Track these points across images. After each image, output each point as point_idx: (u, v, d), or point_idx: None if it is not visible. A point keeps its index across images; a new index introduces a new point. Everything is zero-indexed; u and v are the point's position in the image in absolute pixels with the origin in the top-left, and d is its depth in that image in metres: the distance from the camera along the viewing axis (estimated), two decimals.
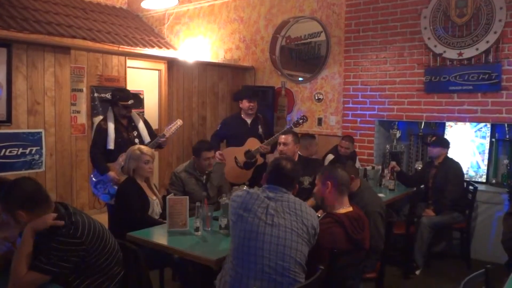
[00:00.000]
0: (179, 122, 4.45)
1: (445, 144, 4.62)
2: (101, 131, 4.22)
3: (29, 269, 1.99)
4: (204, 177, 3.95)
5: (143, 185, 3.50)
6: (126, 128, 4.30)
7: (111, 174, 4.11)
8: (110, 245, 2.20)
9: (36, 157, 4.62)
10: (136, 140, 4.24)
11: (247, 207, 2.30)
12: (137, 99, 4.46)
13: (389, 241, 3.08)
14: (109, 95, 5.40)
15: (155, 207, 3.48)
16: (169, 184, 3.96)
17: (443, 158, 4.57)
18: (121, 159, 4.17)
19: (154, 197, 3.52)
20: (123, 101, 4.22)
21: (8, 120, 4.44)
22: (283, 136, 4.09)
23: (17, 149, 4.47)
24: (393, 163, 4.81)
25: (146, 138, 4.31)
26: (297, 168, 2.55)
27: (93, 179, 4.22)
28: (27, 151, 4.55)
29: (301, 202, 2.43)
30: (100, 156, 4.15)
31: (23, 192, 2.10)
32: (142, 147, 3.65)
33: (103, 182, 4.17)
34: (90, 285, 2.14)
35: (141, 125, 4.37)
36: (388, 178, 4.70)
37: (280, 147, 4.03)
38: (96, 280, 2.15)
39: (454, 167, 4.52)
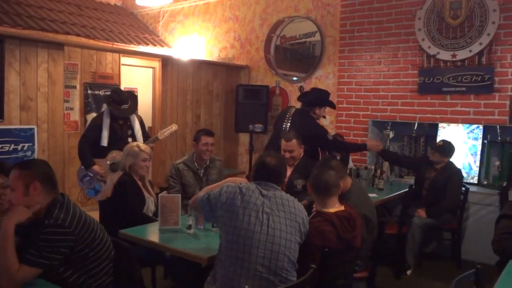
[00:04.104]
0: (174, 127, 4.46)
1: (447, 154, 4.56)
2: (95, 126, 4.22)
3: (21, 263, 1.97)
4: (202, 170, 3.97)
5: (139, 183, 3.50)
6: (121, 126, 4.30)
7: (96, 167, 4.11)
8: (100, 238, 2.19)
9: (28, 153, 4.59)
10: (129, 139, 4.23)
11: (242, 203, 2.28)
12: (134, 101, 4.42)
13: (381, 240, 3.09)
14: (104, 92, 5.39)
15: (150, 205, 3.49)
16: (168, 176, 4.02)
17: (445, 163, 4.56)
18: (110, 156, 4.17)
19: (149, 195, 3.53)
20: (115, 105, 4.21)
21: (0, 116, 4.41)
22: (286, 143, 3.84)
23: (8, 145, 4.44)
24: (375, 142, 4.83)
25: (140, 139, 4.30)
26: (283, 163, 2.56)
27: (82, 172, 4.22)
28: (19, 147, 4.52)
29: (293, 198, 2.44)
30: (87, 150, 4.15)
31: (46, 167, 2.20)
32: (141, 144, 3.67)
33: (90, 176, 4.16)
34: (81, 277, 2.13)
35: (136, 125, 4.37)
36: (378, 177, 4.70)
37: (286, 155, 3.81)
38: (87, 272, 2.14)
39: (456, 175, 4.50)
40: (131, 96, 4.45)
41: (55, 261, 2.02)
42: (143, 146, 3.60)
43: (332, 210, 2.56)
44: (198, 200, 2.51)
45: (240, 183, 2.45)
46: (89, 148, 4.16)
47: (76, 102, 5.25)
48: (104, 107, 4.43)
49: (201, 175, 3.96)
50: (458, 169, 4.60)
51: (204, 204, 2.44)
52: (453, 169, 4.54)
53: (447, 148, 4.59)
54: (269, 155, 2.56)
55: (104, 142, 4.16)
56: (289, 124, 4.51)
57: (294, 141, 3.81)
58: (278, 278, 2.20)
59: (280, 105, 6.48)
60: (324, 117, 4.92)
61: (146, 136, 4.45)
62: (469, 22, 4.91)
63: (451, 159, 4.62)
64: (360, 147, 4.89)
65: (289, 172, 3.85)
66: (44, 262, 1.98)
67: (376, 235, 3.08)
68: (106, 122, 4.20)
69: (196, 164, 3.99)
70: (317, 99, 4.63)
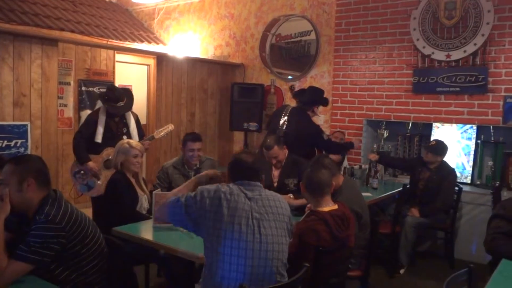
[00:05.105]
0: (170, 126, 4.45)
1: (440, 152, 4.57)
2: (91, 122, 4.22)
3: (11, 259, 1.95)
4: (192, 173, 3.94)
5: (132, 180, 3.49)
6: (117, 124, 4.29)
7: (90, 164, 4.09)
8: (92, 235, 2.18)
9: (21, 150, 4.55)
10: (124, 137, 4.22)
11: (229, 210, 2.11)
12: (130, 99, 4.40)
13: (375, 239, 3.10)
14: (99, 89, 5.37)
15: (143, 202, 3.47)
16: (156, 177, 3.95)
17: (439, 163, 4.57)
18: (105, 153, 4.15)
19: (142, 193, 3.51)
20: (110, 103, 4.20)
21: None
22: (268, 152, 3.84)
23: (1, 141, 4.40)
24: (372, 155, 4.87)
25: (135, 137, 4.29)
26: (258, 159, 2.47)
27: (75, 168, 4.20)
28: (12, 143, 4.48)
29: (277, 196, 2.35)
30: (82, 146, 4.14)
31: (40, 163, 2.19)
32: (131, 141, 3.65)
33: (83, 172, 4.15)
34: (72, 274, 2.12)
35: (132, 124, 4.36)
36: (372, 176, 4.72)
37: (273, 161, 3.84)
38: (79, 269, 2.13)
39: (451, 175, 4.51)
40: (126, 93, 4.43)
41: (46, 257, 2.00)
42: (133, 142, 3.58)
43: (326, 209, 2.56)
44: (170, 206, 2.24)
45: (218, 185, 2.25)
46: (84, 144, 4.15)
47: (70, 98, 5.23)
48: (99, 104, 4.40)
49: (191, 177, 3.93)
50: (452, 169, 4.61)
51: (179, 211, 2.19)
52: (447, 169, 4.56)
53: (440, 147, 4.60)
54: (243, 153, 2.46)
55: (99, 138, 4.15)
56: (286, 122, 4.53)
57: (275, 147, 3.80)
58: (272, 283, 2.15)
59: (275, 103, 6.49)
60: (318, 115, 4.98)
61: (141, 134, 4.44)
62: (463, 22, 4.93)
63: (446, 159, 4.64)
64: (347, 146, 4.93)
65: (277, 172, 3.88)
66: (34, 257, 1.97)
67: (368, 232, 3.09)
68: (102, 118, 4.19)
69: (186, 167, 3.95)
70: (316, 97, 4.67)
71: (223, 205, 2.13)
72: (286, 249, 2.26)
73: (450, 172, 4.54)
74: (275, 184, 3.81)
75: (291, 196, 3.58)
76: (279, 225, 2.22)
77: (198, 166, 3.99)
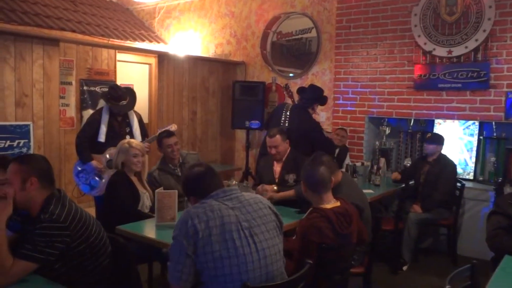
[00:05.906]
0: (173, 127, 4.45)
1: (440, 141, 4.63)
2: (94, 121, 4.23)
3: (15, 258, 1.96)
4: (178, 169, 3.96)
5: (133, 179, 3.50)
6: (120, 124, 4.30)
7: (94, 163, 4.11)
8: (97, 235, 2.19)
9: (24, 150, 4.57)
10: (127, 137, 4.23)
11: (217, 228, 1.97)
12: (132, 97, 4.41)
13: (377, 236, 3.10)
14: (100, 88, 5.38)
15: (145, 201, 3.48)
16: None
17: (438, 155, 4.60)
18: (108, 153, 4.16)
19: (144, 191, 3.52)
20: (113, 102, 4.20)
21: None
22: (270, 139, 3.83)
23: (4, 141, 4.41)
24: (395, 174, 4.91)
25: (138, 137, 4.31)
26: (208, 164, 2.34)
27: (77, 167, 4.22)
28: (15, 143, 4.50)
29: (257, 197, 2.24)
30: (85, 145, 4.16)
31: (44, 163, 2.21)
32: (132, 140, 3.66)
33: (86, 172, 4.16)
34: (77, 273, 2.12)
35: (135, 123, 4.37)
36: (375, 173, 4.73)
37: (272, 151, 3.84)
38: (83, 269, 2.14)
39: (449, 166, 4.54)
40: (129, 92, 4.44)
41: (51, 256, 2.01)
42: (134, 142, 3.59)
43: (328, 206, 2.56)
44: (175, 277, 1.96)
45: (192, 210, 2.03)
46: (87, 143, 4.16)
47: (72, 98, 5.24)
48: (102, 103, 4.41)
49: (179, 174, 3.95)
50: (451, 162, 4.62)
51: (184, 267, 1.95)
52: (446, 161, 4.58)
53: (436, 136, 4.70)
54: (191, 167, 2.28)
55: (102, 138, 4.17)
56: (287, 119, 4.54)
57: (278, 136, 3.81)
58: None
59: (277, 101, 6.48)
60: (317, 113, 5.03)
61: (144, 134, 4.45)
62: (465, 18, 4.92)
63: (447, 154, 4.65)
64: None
65: (279, 168, 3.89)
66: (39, 256, 1.98)
67: (371, 228, 3.09)
68: (105, 118, 4.21)
69: (170, 165, 3.96)
70: (317, 95, 4.70)
71: (210, 225, 1.96)
72: (282, 247, 2.18)
73: (448, 163, 4.56)
74: (277, 180, 3.83)
75: (275, 188, 3.63)
76: (269, 227, 2.12)
77: (181, 161, 4.01)
